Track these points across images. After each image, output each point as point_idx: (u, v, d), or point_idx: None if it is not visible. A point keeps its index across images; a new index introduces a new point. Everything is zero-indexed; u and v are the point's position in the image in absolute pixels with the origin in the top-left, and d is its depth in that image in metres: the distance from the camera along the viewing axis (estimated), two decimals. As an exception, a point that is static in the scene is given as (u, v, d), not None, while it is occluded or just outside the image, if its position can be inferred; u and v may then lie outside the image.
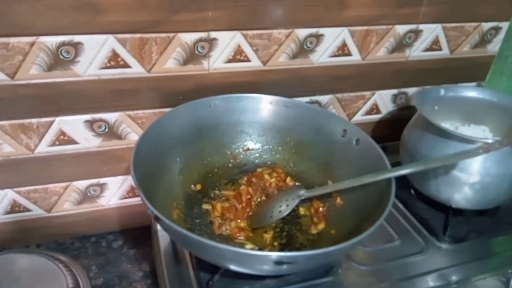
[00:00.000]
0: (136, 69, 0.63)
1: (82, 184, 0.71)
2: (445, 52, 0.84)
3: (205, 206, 0.63)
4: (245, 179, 0.68)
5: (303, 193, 0.63)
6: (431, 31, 0.80)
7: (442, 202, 0.69)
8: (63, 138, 0.65)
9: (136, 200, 0.77)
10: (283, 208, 0.62)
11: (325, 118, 0.68)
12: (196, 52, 0.65)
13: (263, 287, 0.56)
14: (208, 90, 0.68)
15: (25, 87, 0.59)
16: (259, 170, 0.69)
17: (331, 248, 0.44)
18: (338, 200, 0.63)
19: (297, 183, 0.68)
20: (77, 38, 0.58)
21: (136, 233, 0.78)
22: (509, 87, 0.88)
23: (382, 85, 0.83)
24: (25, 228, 0.72)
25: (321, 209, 0.64)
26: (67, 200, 0.72)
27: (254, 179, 0.67)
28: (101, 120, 0.66)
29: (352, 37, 0.74)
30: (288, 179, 0.68)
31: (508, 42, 0.87)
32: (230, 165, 0.70)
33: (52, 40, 0.57)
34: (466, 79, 0.90)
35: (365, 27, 0.74)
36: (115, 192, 0.74)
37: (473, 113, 0.76)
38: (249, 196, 0.65)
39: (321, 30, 0.71)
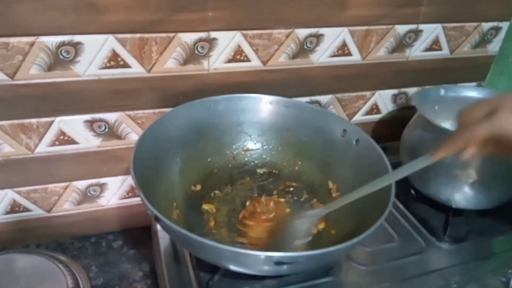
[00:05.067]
0: (136, 69, 0.63)
1: (82, 184, 0.71)
2: (445, 52, 0.84)
3: (205, 207, 0.63)
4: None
5: (319, 212, 0.57)
6: (431, 31, 0.80)
7: (442, 202, 0.69)
8: (63, 138, 0.65)
9: (136, 200, 0.77)
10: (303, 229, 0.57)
11: (325, 118, 0.68)
12: (196, 52, 0.65)
13: (263, 287, 0.56)
14: (208, 90, 0.68)
15: (25, 87, 0.59)
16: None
17: (331, 248, 0.44)
18: (338, 200, 0.63)
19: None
20: (77, 38, 0.58)
21: (136, 233, 0.78)
22: (509, 87, 0.88)
23: (382, 85, 0.83)
24: (25, 228, 0.72)
25: None
26: (67, 200, 0.72)
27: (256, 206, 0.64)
28: (101, 120, 0.66)
29: (352, 37, 0.74)
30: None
31: (508, 42, 0.87)
32: (230, 165, 0.70)
33: (52, 40, 0.57)
34: (466, 79, 0.90)
35: (365, 27, 0.74)
36: (115, 192, 0.74)
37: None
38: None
39: (321, 30, 0.71)
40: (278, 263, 0.45)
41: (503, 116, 0.42)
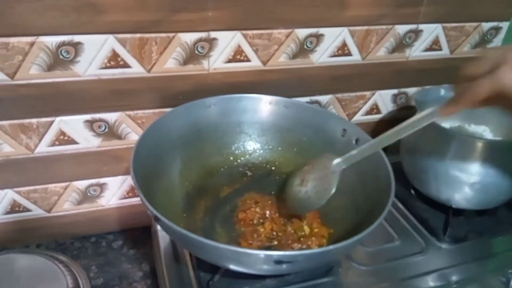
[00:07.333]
0: (136, 69, 0.63)
1: (82, 184, 0.71)
2: (445, 52, 0.84)
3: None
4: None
5: (339, 163, 0.56)
6: (431, 31, 0.80)
7: (442, 202, 0.69)
8: (63, 138, 0.65)
9: (136, 200, 0.77)
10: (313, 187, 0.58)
11: (325, 118, 0.68)
12: (196, 52, 0.65)
13: (263, 287, 0.56)
14: (208, 90, 0.68)
15: (25, 87, 0.59)
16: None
17: (331, 247, 0.44)
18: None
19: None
20: (77, 38, 0.58)
21: (136, 233, 0.78)
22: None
23: (382, 85, 0.83)
24: (25, 228, 0.72)
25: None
26: (67, 200, 0.72)
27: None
28: (101, 120, 0.66)
29: (352, 37, 0.74)
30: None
31: (508, 42, 0.87)
32: (230, 165, 0.70)
33: (52, 40, 0.57)
34: (466, 79, 0.90)
35: (365, 27, 0.74)
36: (115, 192, 0.74)
37: (473, 113, 0.76)
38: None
39: (321, 30, 0.71)
40: (278, 262, 0.45)
41: (505, 72, 0.42)
